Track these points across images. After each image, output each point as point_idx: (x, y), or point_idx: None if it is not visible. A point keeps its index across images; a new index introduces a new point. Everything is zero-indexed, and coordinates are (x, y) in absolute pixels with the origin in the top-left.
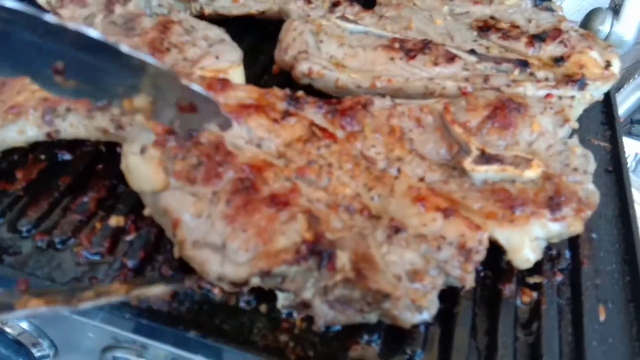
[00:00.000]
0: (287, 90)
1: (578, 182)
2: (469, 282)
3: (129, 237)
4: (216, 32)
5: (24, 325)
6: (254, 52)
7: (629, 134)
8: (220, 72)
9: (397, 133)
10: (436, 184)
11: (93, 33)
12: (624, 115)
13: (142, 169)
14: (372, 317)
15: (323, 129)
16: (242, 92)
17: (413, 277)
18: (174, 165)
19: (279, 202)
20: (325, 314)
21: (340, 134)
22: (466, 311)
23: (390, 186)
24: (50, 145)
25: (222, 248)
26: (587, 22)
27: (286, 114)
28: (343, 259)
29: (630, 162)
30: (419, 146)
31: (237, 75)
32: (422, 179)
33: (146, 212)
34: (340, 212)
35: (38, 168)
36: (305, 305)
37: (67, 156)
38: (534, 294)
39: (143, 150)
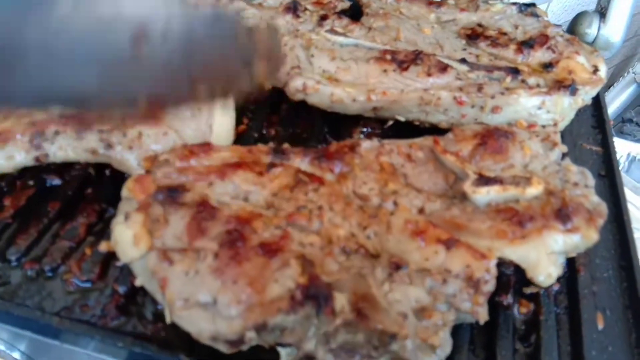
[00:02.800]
0: (271, 144)
1: (582, 195)
2: (482, 315)
3: (119, 262)
4: None
5: (16, 355)
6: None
7: (621, 132)
8: None
9: (389, 169)
10: (438, 212)
11: None
12: (615, 113)
13: (126, 235)
14: None
15: (310, 175)
16: (225, 152)
17: (421, 314)
18: (159, 225)
19: (269, 249)
20: None
21: (329, 177)
22: (464, 325)
23: (386, 222)
24: (38, 170)
25: (213, 304)
26: (575, 25)
27: (271, 166)
28: (341, 300)
29: (622, 162)
30: (414, 180)
31: None
32: (421, 210)
33: (137, 282)
34: (335, 254)
35: (26, 194)
36: (309, 358)
37: (56, 181)
38: (531, 305)
39: (127, 217)
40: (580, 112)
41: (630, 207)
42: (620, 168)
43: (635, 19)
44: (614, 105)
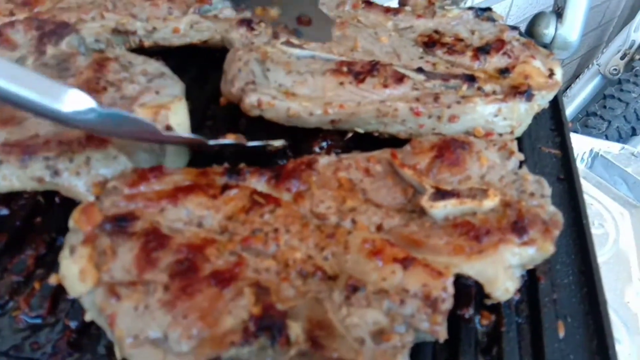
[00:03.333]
0: (226, 165)
1: (538, 205)
2: (442, 334)
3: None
4: (155, 66)
5: None
6: (199, 82)
7: (586, 126)
8: (162, 108)
9: (347, 185)
10: (396, 228)
11: None
12: (580, 105)
13: (73, 270)
14: None
15: (266, 195)
16: (177, 175)
17: (379, 337)
18: (106, 258)
19: (222, 278)
20: None
21: (286, 196)
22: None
23: (343, 243)
24: None
25: (164, 340)
26: (532, 26)
27: (226, 188)
28: (296, 329)
29: (585, 158)
30: (373, 195)
31: (179, 109)
32: (379, 227)
33: (87, 317)
34: (292, 278)
35: None
36: None
37: (3, 211)
38: (493, 316)
39: (72, 251)
40: (538, 115)
41: (594, 202)
42: (583, 165)
43: (599, 9)
44: (579, 97)
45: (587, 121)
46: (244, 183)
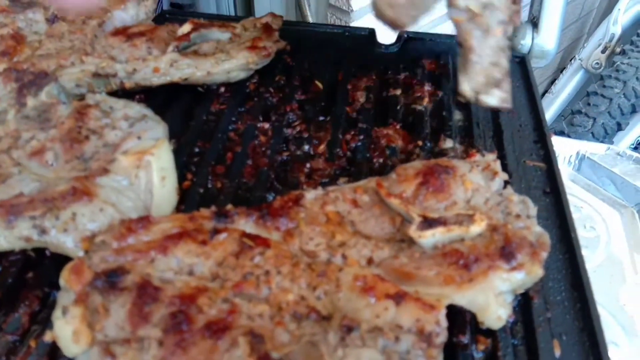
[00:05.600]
0: (214, 208)
1: (524, 227)
2: None
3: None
4: (136, 109)
5: None
6: (184, 118)
7: (571, 125)
8: (145, 154)
9: (336, 219)
10: (387, 260)
11: None
12: (565, 102)
13: (66, 330)
14: None
15: (255, 237)
16: (165, 223)
17: None
18: (99, 317)
19: (216, 329)
20: None
21: (275, 236)
22: None
23: (335, 280)
24: None
25: None
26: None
27: (215, 233)
28: None
29: (572, 161)
30: (361, 226)
31: (163, 153)
32: (370, 260)
33: None
34: (286, 321)
35: None
36: None
37: None
38: (489, 341)
39: (64, 312)
40: (521, 128)
41: (584, 205)
42: (571, 168)
43: (578, 2)
44: (564, 93)
45: (573, 119)
46: (232, 225)
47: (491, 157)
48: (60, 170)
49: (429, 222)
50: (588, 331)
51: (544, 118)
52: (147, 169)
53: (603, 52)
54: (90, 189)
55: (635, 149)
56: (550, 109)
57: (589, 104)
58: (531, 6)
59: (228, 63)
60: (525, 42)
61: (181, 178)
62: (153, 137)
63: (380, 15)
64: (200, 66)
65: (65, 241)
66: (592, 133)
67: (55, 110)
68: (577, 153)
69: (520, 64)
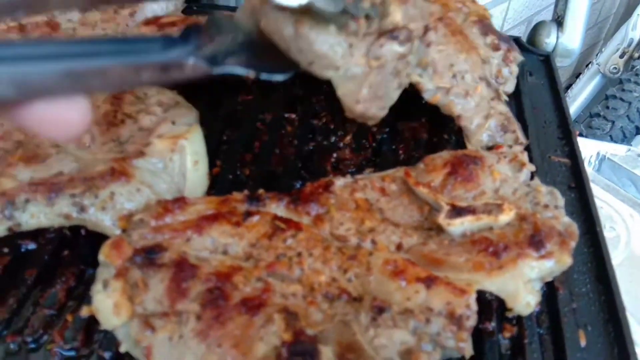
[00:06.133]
0: (246, 192)
1: (552, 217)
2: (468, 351)
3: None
4: (169, 96)
5: None
6: (212, 108)
7: (590, 127)
8: (179, 138)
9: (365, 206)
10: (416, 247)
11: None
12: (582, 105)
13: (107, 303)
14: None
15: (287, 220)
16: (200, 205)
17: (407, 357)
18: (138, 291)
19: (252, 305)
20: None
21: (306, 220)
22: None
23: (366, 264)
24: (12, 237)
25: None
26: (534, 36)
27: (247, 215)
28: (328, 354)
29: (593, 162)
30: (390, 214)
31: (196, 138)
32: (399, 246)
33: (122, 348)
34: (319, 301)
35: (2, 263)
36: None
37: (32, 245)
38: (515, 329)
39: (105, 285)
40: (545, 125)
41: (604, 205)
42: (591, 168)
43: (595, 7)
44: (580, 97)
45: (591, 122)
46: (264, 209)
47: (518, 149)
48: (98, 151)
49: (457, 211)
50: (613, 323)
51: (569, 115)
52: (181, 153)
53: (621, 57)
54: (127, 170)
55: None
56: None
57: (607, 107)
58: (556, 5)
59: None
60: (550, 41)
61: (211, 164)
62: (186, 122)
63: (350, 112)
64: None
65: (104, 219)
66: (610, 136)
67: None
68: (598, 154)
69: (544, 62)
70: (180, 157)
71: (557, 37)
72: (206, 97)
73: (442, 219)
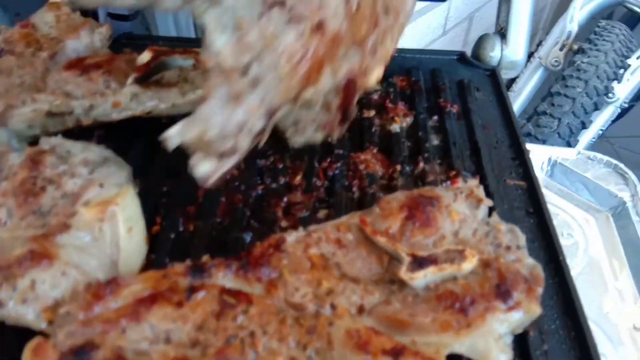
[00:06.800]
0: (188, 261)
1: (516, 259)
2: None
3: None
4: (96, 152)
5: None
6: (148, 154)
7: (537, 126)
8: (109, 204)
9: (320, 263)
10: (378, 307)
11: None
12: (527, 99)
13: None
14: None
15: (236, 293)
16: (135, 285)
17: None
18: None
19: None
20: None
21: (258, 289)
22: None
23: (326, 336)
24: None
25: None
26: (478, 49)
27: (191, 292)
28: None
29: (545, 168)
30: (348, 268)
31: (128, 202)
32: (361, 308)
33: None
34: None
35: None
36: None
37: None
38: None
39: None
40: (497, 145)
41: (560, 212)
42: (543, 174)
43: None
44: (525, 92)
45: (539, 121)
46: (210, 280)
47: (474, 183)
48: (15, 228)
49: (419, 262)
50: None
51: (520, 133)
52: (112, 221)
53: (561, 49)
54: (49, 251)
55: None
56: (514, 108)
57: (553, 105)
58: (498, 17)
59: (194, 94)
60: (495, 54)
61: (150, 223)
62: (116, 183)
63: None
64: (164, 99)
65: (26, 313)
66: (558, 133)
67: (5, 159)
68: (549, 159)
69: (491, 77)
70: (111, 226)
71: (502, 50)
72: (140, 143)
73: (403, 272)
